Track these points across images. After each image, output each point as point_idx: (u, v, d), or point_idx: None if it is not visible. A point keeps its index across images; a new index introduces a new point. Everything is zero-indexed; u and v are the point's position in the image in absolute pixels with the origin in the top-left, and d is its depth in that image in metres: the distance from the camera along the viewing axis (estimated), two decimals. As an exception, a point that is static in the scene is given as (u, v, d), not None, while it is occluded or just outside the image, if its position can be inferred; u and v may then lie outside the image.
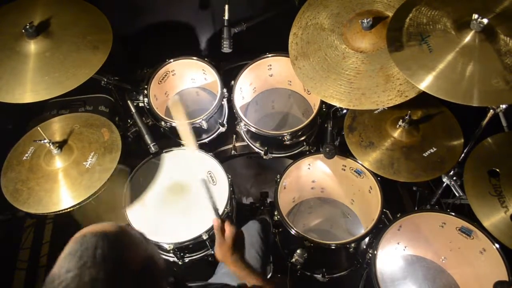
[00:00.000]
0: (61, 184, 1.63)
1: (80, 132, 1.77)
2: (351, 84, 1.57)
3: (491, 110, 1.48)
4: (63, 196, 1.61)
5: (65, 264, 0.74)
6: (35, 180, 1.64)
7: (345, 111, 1.93)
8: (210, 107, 2.01)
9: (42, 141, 1.62)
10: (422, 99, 1.44)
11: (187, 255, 1.86)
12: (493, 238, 1.52)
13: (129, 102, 2.05)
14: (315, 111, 1.95)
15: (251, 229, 1.79)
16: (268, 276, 1.97)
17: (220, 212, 1.75)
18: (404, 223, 1.71)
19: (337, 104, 1.58)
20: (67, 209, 1.60)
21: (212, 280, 1.60)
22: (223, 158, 2.13)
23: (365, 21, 1.57)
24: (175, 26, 2.50)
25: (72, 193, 1.61)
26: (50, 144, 1.63)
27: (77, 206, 1.61)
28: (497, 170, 1.47)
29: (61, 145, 1.70)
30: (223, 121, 2.16)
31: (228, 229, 1.27)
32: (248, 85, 2.24)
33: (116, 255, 0.76)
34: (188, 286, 1.24)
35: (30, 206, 1.60)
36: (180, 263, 1.84)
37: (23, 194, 1.62)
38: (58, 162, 1.67)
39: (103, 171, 1.65)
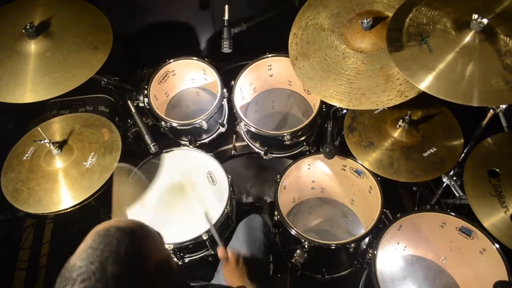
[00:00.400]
0: (61, 184, 1.63)
1: (80, 132, 1.78)
2: (351, 84, 1.57)
3: (491, 110, 1.48)
4: (63, 196, 1.61)
5: (86, 256, 0.74)
6: (35, 180, 1.65)
7: (345, 111, 1.93)
8: (210, 107, 2.01)
9: (42, 141, 1.62)
10: (422, 99, 1.44)
11: (187, 255, 1.86)
12: (493, 238, 1.52)
13: (129, 102, 2.05)
14: (315, 111, 1.95)
15: (254, 223, 1.79)
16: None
17: (220, 212, 1.75)
18: (404, 223, 1.71)
19: (337, 104, 1.58)
20: (67, 209, 1.60)
21: (214, 281, 1.60)
22: (223, 158, 2.13)
23: (365, 21, 1.57)
24: (175, 26, 2.50)
25: (72, 193, 1.61)
26: (50, 144, 1.64)
27: (77, 206, 1.62)
28: (497, 170, 1.47)
29: (61, 145, 1.70)
30: (223, 121, 2.16)
31: (230, 253, 1.41)
32: (248, 85, 2.24)
33: (138, 253, 0.77)
34: (191, 286, 1.25)
35: (30, 206, 1.60)
36: (180, 263, 1.84)
37: (23, 194, 1.62)
38: (58, 162, 1.67)
39: (103, 171, 1.65)
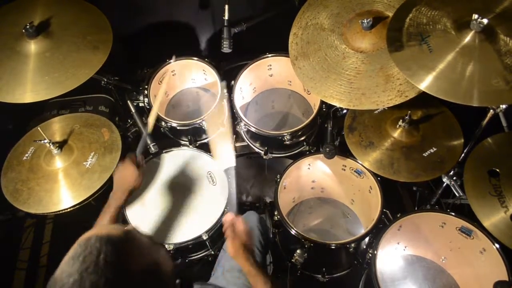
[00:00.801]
0: (61, 184, 1.63)
1: (80, 132, 1.78)
2: (351, 84, 1.57)
3: (491, 110, 1.48)
4: (63, 196, 1.61)
5: (67, 268, 0.73)
6: (35, 180, 1.64)
7: (345, 111, 1.93)
8: (210, 107, 2.01)
9: (42, 141, 1.62)
10: (422, 99, 1.44)
11: (187, 255, 1.86)
12: (493, 238, 1.52)
13: (129, 102, 2.05)
14: (315, 111, 1.95)
15: (250, 221, 1.78)
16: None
17: (220, 212, 1.75)
18: (404, 223, 1.71)
19: (337, 104, 1.58)
20: (67, 209, 1.60)
21: (212, 280, 1.60)
22: (223, 158, 2.13)
23: (365, 21, 1.57)
24: (175, 26, 2.50)
25: (72, 193, 1.61)
26: (50, 144, 1.63)
27: (77, 206, 1.62)
28: (497, 170, 1.47)
29: (61, 145, 1.70)
30: (223, 121, 2.16)
31: (241, 225, 1.28)
32: (248, 85, 2.24)
33: (119, 261, 0.75)
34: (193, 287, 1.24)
35: (30, 206, 1.60)
36: (178, 262, 1.84)
37: (23, 194, 1.62)
38: (58, 162, 1.67)
39: (103, 171, 1.65)
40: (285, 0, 2.08)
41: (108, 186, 1.63)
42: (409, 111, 1.66)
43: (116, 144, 1.73)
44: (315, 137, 2.13)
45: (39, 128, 1.70)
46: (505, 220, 1.37)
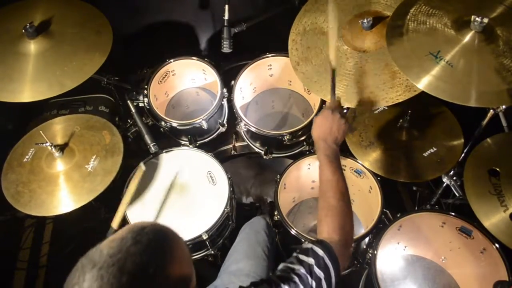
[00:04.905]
0: (63, 187, 1.62)
1: (81, 134, 1.76)
2: (357, 84, 1.56)
3: (491, 110, 1.48)
4: (66, 199, 1.60)
5: (115, 245, 0.74)
6: (37, 183, 1.63)
7: (344, 111, 1.92)
8: (210, 107, 2.01)
9: (44, 144, 1.60)
10: (423, 99, 1.44)
11: (187, 255, 1.85)
12: (493, 238, 1.52)
13: (129, 102, 2.05)
14: (315, 111, 1.96)
15: (257, 226, 1.78)
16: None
17: (220, 212, 1.75)
18: (404, 223, 1.71)
19: (346, 105, 1.56)
20: (69, 212, 1.59)
21: (217, 282, 1.57)
22: (223, 158, 2.13)
23: (365, 21, 1.57)
24: (175, 26, 2.50)
25: (74, 196, 1.60)
26: (52, 147, 1.62)
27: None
28: (497, 169, 1.47)
29: (62, 147, 1.68)
30: (223, 121, 2.16)
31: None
32: (248, 85, 2.24)
33: (162, 259, 0.76)
34: None
35: (32, 208, 1.58)
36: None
37: (25, 197, 1.60)
38: (60, 165, 1.65)
39: (105, 175, 1.64)
40: (285, 0, 2.08)
41: (110, 189, 1.63)
42: (409, 111, 1.66)
43: (117, 147, 1.72)
44: (315, 137, 2.13)
45: (40, 131, 1.67)
46: (505, 219, 1.37)
